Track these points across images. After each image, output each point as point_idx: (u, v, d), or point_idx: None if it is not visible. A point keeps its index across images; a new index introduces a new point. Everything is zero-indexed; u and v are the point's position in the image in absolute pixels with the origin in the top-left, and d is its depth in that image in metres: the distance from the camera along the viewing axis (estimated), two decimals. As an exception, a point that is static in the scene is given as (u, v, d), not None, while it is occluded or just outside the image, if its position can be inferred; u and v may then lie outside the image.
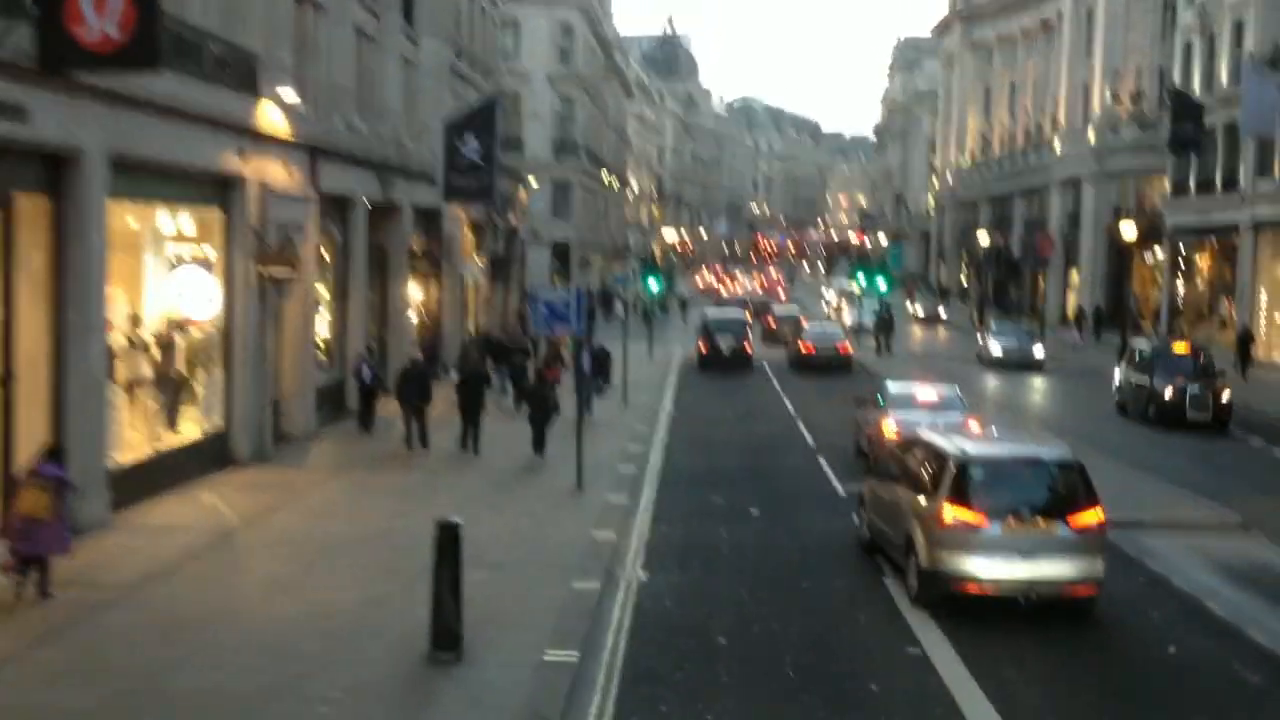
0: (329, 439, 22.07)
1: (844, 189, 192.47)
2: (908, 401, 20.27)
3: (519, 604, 11.96)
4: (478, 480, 18.74)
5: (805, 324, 43.17)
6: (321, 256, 23.62)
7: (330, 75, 23.16)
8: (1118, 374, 28.87)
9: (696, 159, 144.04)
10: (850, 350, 38.89)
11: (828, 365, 36.92)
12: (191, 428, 18.06)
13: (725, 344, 37.37)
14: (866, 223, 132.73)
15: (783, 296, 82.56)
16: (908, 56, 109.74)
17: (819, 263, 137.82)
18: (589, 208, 66.73)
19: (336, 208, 23.81)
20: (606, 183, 73.22)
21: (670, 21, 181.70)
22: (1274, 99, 34.61)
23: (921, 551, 12.40)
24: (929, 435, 14.18)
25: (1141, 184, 53.33)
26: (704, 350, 37.73)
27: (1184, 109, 38.83)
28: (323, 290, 23.90)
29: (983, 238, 64.12)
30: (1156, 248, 48.64)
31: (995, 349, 39.39)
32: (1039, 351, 39.14)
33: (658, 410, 27.47)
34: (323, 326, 24.10)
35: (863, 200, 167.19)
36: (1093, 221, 54.83)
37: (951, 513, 12.11)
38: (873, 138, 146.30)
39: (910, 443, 14.59)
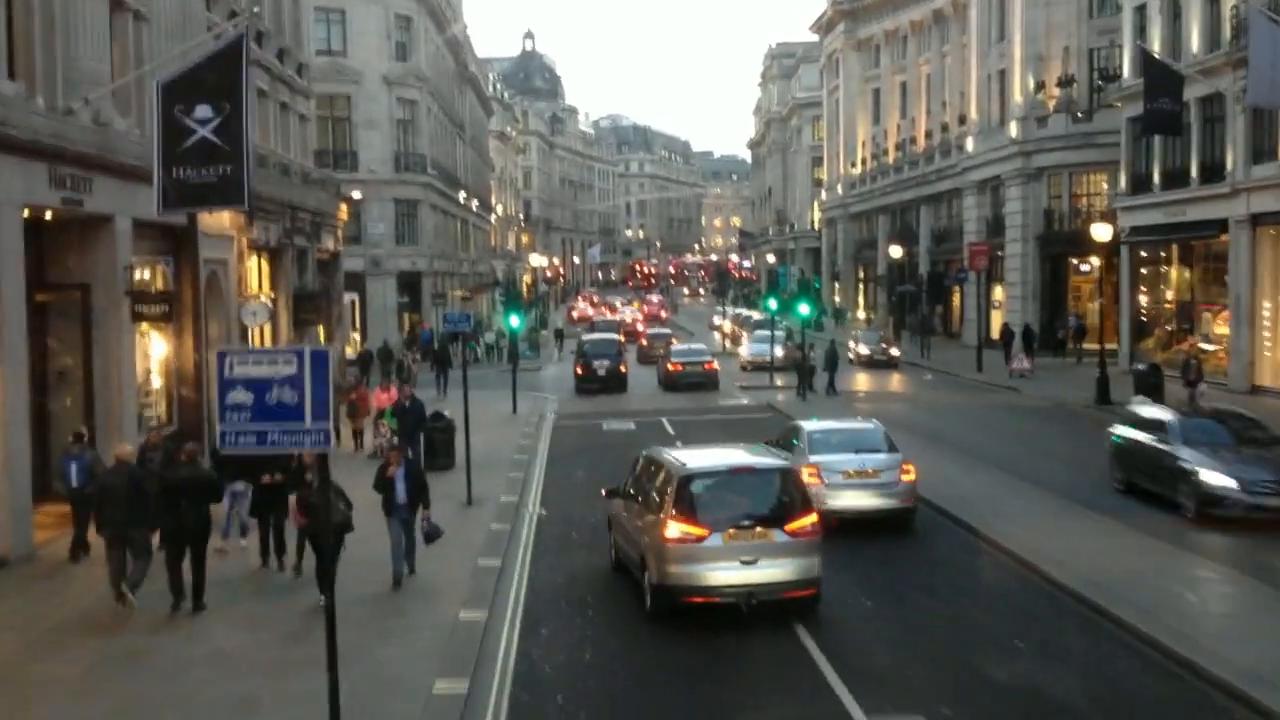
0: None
1: (719, 209, 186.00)
2: (829, 445, 17.53)
3: None
4: (170, 711, 9.44)
5: (674, 344, 44.17)
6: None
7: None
8: None
9: (565, 181, 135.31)
10: (716, 367, 39.01)
11: (695, 383, 37.60)
12: None
13: (601, 366, 38.35)
14: (746, 242, 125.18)
15: (664, 318, 76.06)
16: (783, 64, 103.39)
17: (700, 289, 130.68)
18: (443, 232, 57.28)
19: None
20: (464, 204, 63.80)
21: (530, 36, 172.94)
22: (1287, 58, 27.29)
23: (652, 567, 12.50)
24: (655, 452, 14.13)
25: (1076, 181, 46.43)
26: (581, 373, 38.47)
27: (1159, 81, 31.12)
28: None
29: (893, 252, 56.55)
30: (1093, 257, 41.35)
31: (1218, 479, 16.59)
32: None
33: (518, 515, 18.20)
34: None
35: (737, 221, 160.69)
36: (1020, 227, 47.59)
37: (675, 527, 12.20)
38: (744, 155, 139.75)
39: (643, 461, 14.29)
